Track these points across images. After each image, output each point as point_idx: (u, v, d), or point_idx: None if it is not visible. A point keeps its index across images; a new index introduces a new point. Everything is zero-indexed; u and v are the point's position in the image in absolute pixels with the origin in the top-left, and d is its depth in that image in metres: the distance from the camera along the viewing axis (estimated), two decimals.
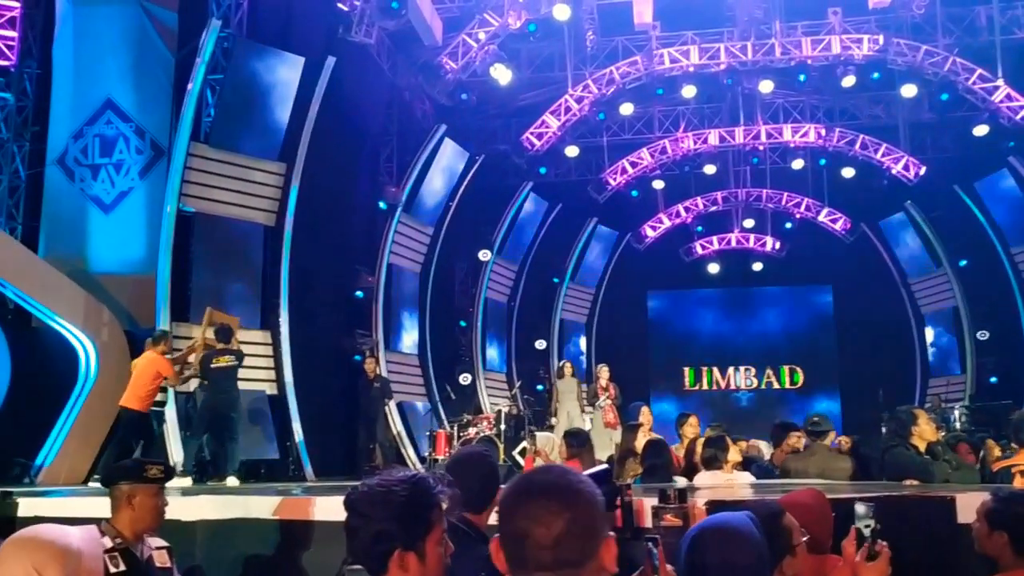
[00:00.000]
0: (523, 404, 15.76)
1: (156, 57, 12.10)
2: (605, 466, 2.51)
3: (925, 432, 5.25)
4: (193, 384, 10.37)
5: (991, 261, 18.09)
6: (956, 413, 15.35)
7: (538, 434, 12.51)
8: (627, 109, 16.59)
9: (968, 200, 18.20)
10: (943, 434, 11.68)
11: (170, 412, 10.52)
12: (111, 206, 11.88)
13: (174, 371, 9.21)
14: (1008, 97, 15.19)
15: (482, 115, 17.40)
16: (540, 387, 19.38)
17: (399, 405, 14.61)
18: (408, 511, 1.92)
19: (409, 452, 14.43)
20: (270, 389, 12.01)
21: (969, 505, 3.33)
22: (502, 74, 15.04)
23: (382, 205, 15.60)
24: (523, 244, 19.73)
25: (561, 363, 14.21)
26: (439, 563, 1.99)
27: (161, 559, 3.71)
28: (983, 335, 18.62)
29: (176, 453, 10.20)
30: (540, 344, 20.09)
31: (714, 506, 3.63)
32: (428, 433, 13.97)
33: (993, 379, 18.16)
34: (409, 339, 16.12)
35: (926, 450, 5.41)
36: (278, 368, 12.13)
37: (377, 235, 15.50)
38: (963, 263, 19.15)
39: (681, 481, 5.57)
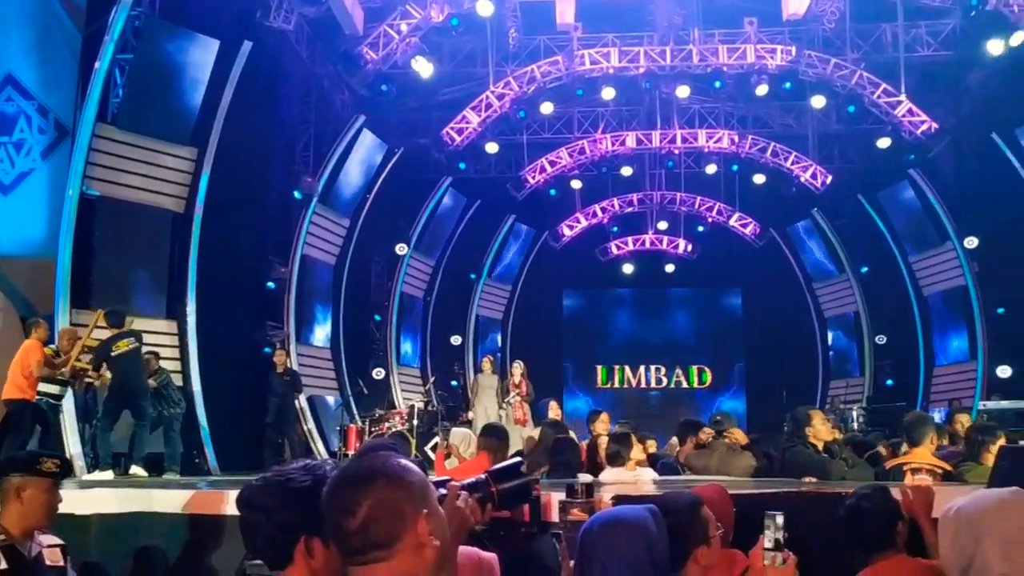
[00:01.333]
0: (437, 399, 15.73)
1: (62, 33, 11.58)
2: (518, 459, 2.52)
3: (820, 432, 5.44)
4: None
5: (890, 268, 18.87)
6: (854, 414, 15.96)
7: (453, 429, 12.48)
8: (547, 108, 16.70)
9: (871, 209, 18.95)
10: (841, 434, 12.14)
11: (67, 404, 10.09)
12: (10, 187, 11.33)
13: (40, 360, 8.65)
14: (910, 112, 15.87)
15: (402, 108, 17.25)
16: (455, 383, 19.37)
17: (309, 399, 14.38)
18: (311, 498, 1.90)
19: (319, 447, 14.22)
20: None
21: None
22: (423, 67, 14.95)
23: (297, 195, 15.32)
24: (441, 239, 19.66)
25: (483, 358, 14.23)
26: None
27: (53, 557, 3.53)
28: (881, 339, 19.42)
29: (73, 446, 9.81)
30: (455, 340, 20.08)
31: (620, 501, 3.68)
32: (339, 428, 13.80)
33: (889, 382, 18.95)
34: (321, 332, 15.88)
35: (824, 449, 5.62)
36: (184, 359, 11.81)
37: (291, 225, 15.21)
38: (864, 270, 19.94)
39: (586, 477, 5.63)
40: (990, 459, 4.84)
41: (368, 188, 16.72)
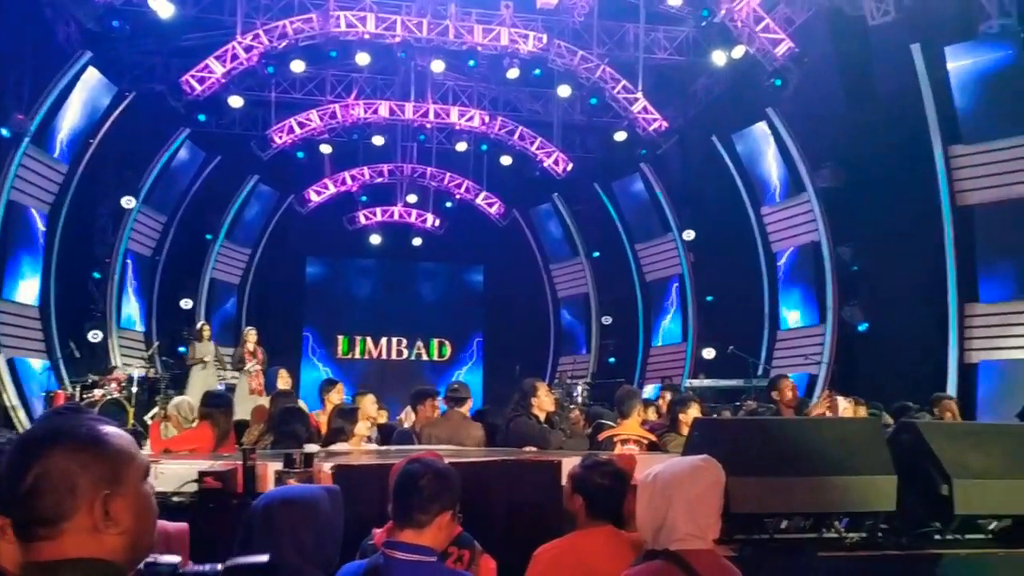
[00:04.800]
0: (161, 366, 14.76)
1: None
2: (264, 559, 2.39)
3: (544, 403, 5.70)
4: None
5: (618, 255, 20.24)
6: (579, 388, 17.00)
7: (175, 398, 11.78)
8: (298, 67, 16.08)
9: (605, 198, 20.17)
10: (572, 406, 12.87)
11: None
12: None
13: None
14: (645, 110, 17.01)
15: (137, 49, 15.84)
16: (183, 349, 18.24)
17: (10, 361, 12.93)
18: None
19: (20, 415, 12.83)
20: None
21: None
22: (162, 6, 13.77)
23: (5, 133, 13.59)
24: (174, 194, 18.34)
25: (200, 324, 13.52)
26: None
27: None
28: (607, 320, 20.80)
29: None
30: (186, 303, 18.87)
31: (340, 470, 3.61)
32: (44, 394, 12.56)
33: (612, 359, 20.36)
34: (28, 287, 14.27)
35: (546, 420, 5.89)
36: None
37: None
38: (596, 254, 21.20)
39: (312, 447, 5.50)
40: (686, 429, 5.32)
41: (92, 132, 15.20)
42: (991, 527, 3.51)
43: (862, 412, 7.66)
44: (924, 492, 3.39)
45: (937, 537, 3.42)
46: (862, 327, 14.58)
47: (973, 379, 12.22)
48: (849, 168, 14.82)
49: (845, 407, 7.48)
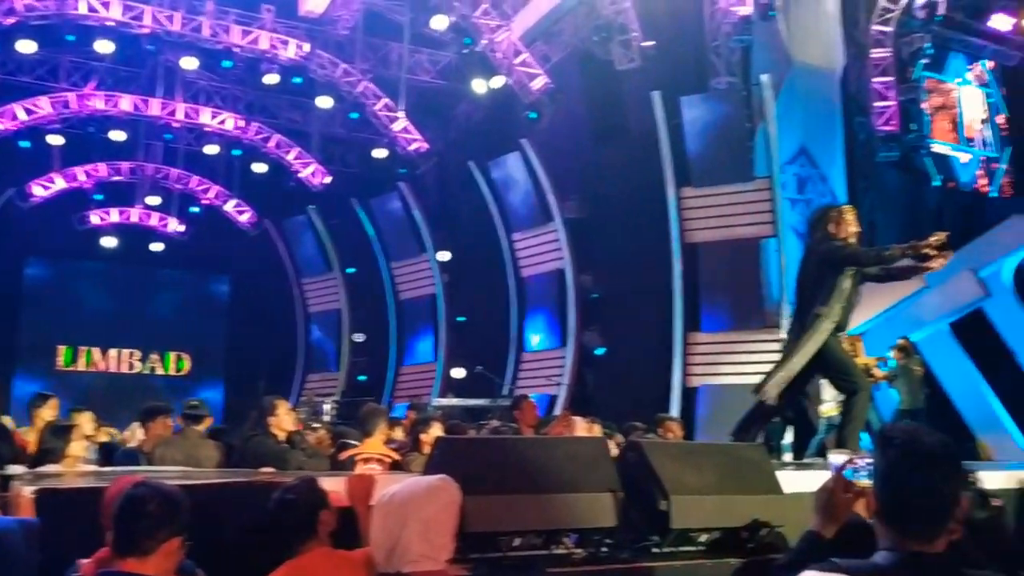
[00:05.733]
0: None
1: None
2: None
3: (283, 422, 5.50)
4: None
5: (373, 272, 20.07)
6: (327, 407, 16.61)
7: None
8: (28, 47, 14.63)
9: (362, 214, 19.96)
10: (318, 425, 12.54)
11: None
12: None
13: None
14: (406, 130, 17.15)
15: None
16: None
17: None
18: None
19: None
20: None
21: None
22: None
23: None
24: None
25: None
26: None
27: None
28: (359, 338, 20.51)
29: None
30: None
31: (44, 494, 3.24)
32: None
33: (362, 377, 20.09)
34: None
35: (287, 439, 5.68)
36: None
37: None
38: (351, 270, 20.90)
39: (16, 469, 4.92)
40: (427, 449, 5.34)
41: None
42: (702, 539, 3.80)
43: (597, 431, 8.05)
44: (646, 507, 3.61)
45: (655, 550, 3.64)
46: (599, 351, 15.51)
47: (694, 401, 13.37)
48: (594, 201, 15.76)
49: (582, 427, 7.84)
